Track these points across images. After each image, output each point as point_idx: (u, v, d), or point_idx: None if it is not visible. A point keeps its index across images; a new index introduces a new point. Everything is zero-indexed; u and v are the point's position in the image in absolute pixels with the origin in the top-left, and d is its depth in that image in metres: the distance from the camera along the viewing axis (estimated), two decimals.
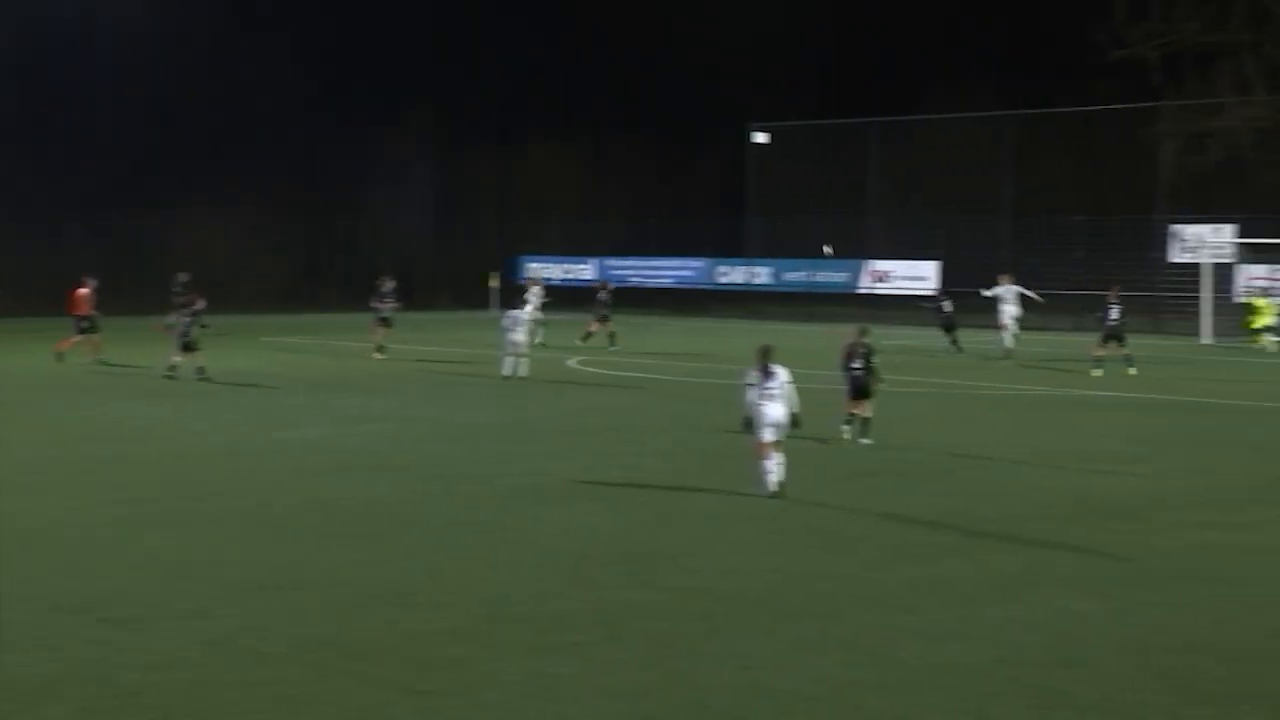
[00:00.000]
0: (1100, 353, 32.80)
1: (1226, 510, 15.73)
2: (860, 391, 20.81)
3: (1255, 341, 41.53)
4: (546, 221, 71.11)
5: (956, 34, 74.31)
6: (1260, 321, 42.69)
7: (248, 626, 10.75)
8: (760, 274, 61.04)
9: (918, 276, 56.97)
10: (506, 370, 30.27)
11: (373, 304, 36.73)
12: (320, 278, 66.96)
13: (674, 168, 74.40)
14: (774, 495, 16.04)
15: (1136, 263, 50.72)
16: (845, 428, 20.87)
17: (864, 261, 57.64)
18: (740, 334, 41.39)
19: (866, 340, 21.07)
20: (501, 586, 12.06)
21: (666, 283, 63.69)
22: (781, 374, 16.25)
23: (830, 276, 58.48)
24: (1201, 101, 54.29)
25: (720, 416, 23.86)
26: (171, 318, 31.68)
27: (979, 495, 16.61)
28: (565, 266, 67.04)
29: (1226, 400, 27.03)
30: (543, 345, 37.74)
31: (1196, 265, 46.75)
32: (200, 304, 30.69)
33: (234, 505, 15.68)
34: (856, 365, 20.82)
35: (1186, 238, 49.57)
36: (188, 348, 29.83)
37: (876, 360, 21.15)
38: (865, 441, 20.58)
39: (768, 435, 16.13)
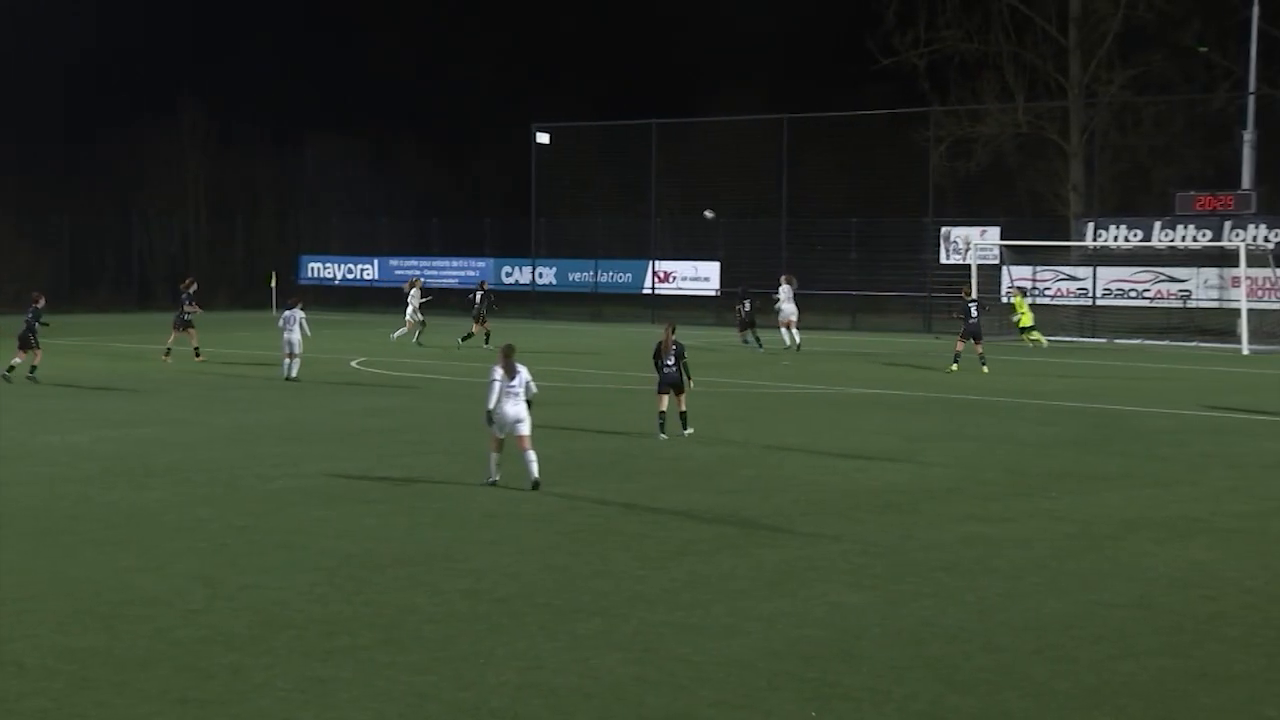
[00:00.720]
0: (960, 348, 34.10)
1: (988, 503, 16.27)
2: (674, 387, 21.47)
3: (1027, 339, 43.06)
4: (328, 220, 70.03)
5: (734, 37, 75.52)
6: (1025, 320, 44.26)
7: (9, 638, 10.33)
8: (545, 274, 61.08)
9: (701, 277, 57.75)
10: (286, 371, 30.05)
11: (185, 308, 35.13)
12: (90, 276, 64.75)
13: (458, 167, 74.01)
14: (491, 483, 17.01)
15: (909, 264, 52.23)
16: (663, 436, 21.28)
17: (648, 262, 58.13)
18: (526, 334, 41.19)
19: (676, 338, 21.68)
20: (278, 592, 11.83)
21: (451, 283, 63.25)
22: (524, 373, 17.22)
23: (616, 277, 58.86)
24: (966, 108, 56.20)
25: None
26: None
27: (754, 492, 16.87)
28: (347, 266, 66.11)
29: (993, 398, 27.96)
30: (420, 345, 39.59)
31: (966, 266, 48.29)
32: (41, 302, 30.29)
33: None
34: (669, 362, 21.46)
35: (955, 239, 51.26)
36: (24, 345, 29.35)
37: (687, 358, 21.79)
38: (689, 432, 21.44)
39: (499, 431, 17.10)
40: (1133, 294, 47.76)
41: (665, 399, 21.53)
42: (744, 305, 41.30)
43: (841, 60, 61.80)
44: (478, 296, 40.94)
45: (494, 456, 17.26)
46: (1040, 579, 12.54)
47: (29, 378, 29.13)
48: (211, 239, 70.97)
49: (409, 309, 41.56)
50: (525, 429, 17.12)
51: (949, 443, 21.35)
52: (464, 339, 40.06)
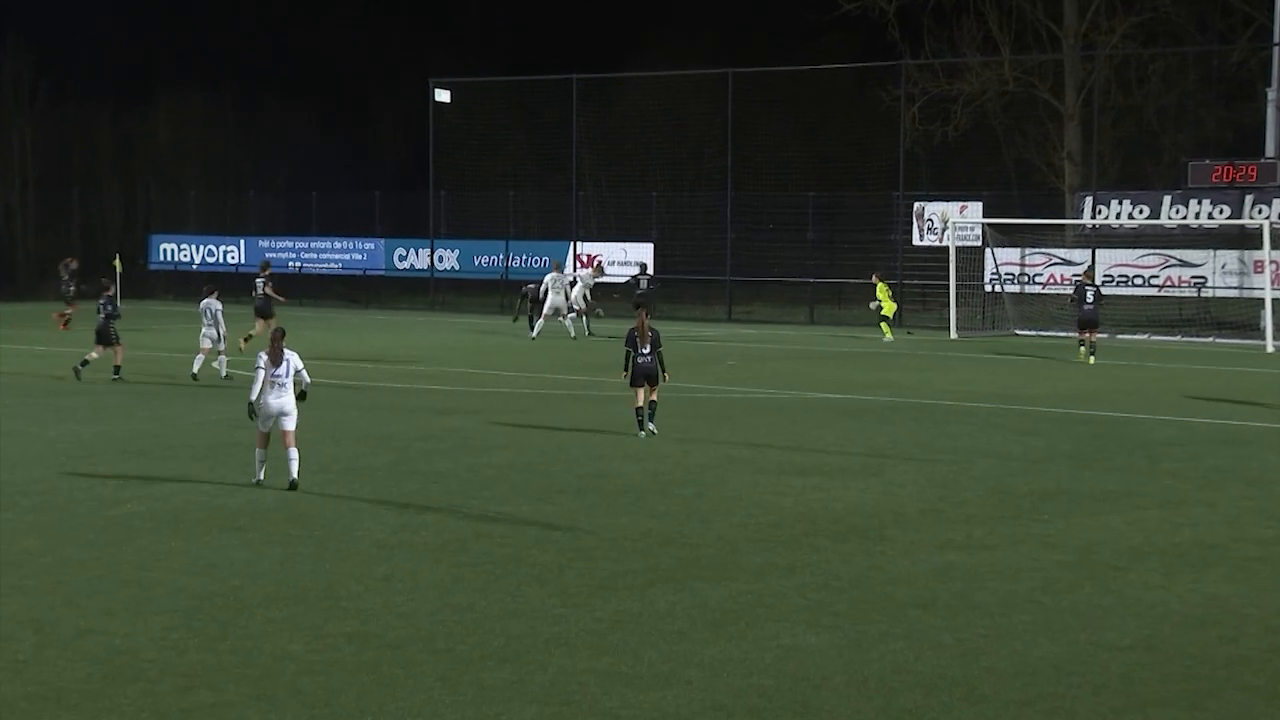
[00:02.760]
0: (1087, 337, 37.53)
1: (969, 527, 16.40)
2: (649, 379, 23.03)
3: (888, 333, 44.14)
4: (184, 194, 69.48)
5: None
6: (889, 309, 44.86)
7: None
8: (447, 258, 60.94)
9: (631, 261, 57.78)
10: (195, 368, 30.97)
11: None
12: None
13: (342, 130, 73.62)
14: (256, 483, 18.25)
15: (877, 246, 52.52)
16: (641, 434, 22.79)
17: (569, 244, 58.10)
18: (424, 330, 41.22)
19: (653, 326, 23.35)
20: (125, 638, 11.73)
21: (334, 269, 63.00)
22: (293, 360, 18.57)
23: (530, 261, 58.73)
24: (943, 61, 56.59)
25: (398, 426, 23.74)
26: None
27: (693, 515, 16.91)
28: (208, 248, 65.65)
29: (971, 403, 28.17)
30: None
31: (943, 249, 48.65)
32: (111, 290, 32.92)
33: None
34: (645, 351, 23.04)
35: (930, 217, 51.60)
36: (103, 341, 31.45)
37: (663, 347, 23.30)
38: (651, 428, 22.91)
39: (265, 425, 18.42)
40: (1138, 281, 48.30)
41: (641, 392, 22.97)
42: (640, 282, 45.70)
43: (797, 5, 62.09)
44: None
45: (259, 453, 18.57)
46: (1030, 617, 12.65)
47: (115, 379, 30.51)
48: (40, 215, 70.14)
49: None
50: (290, 424, 18.43)
51: (921, 457, 21.49)
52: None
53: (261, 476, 18.43)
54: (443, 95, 61.01)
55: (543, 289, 44.30)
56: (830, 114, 57.99)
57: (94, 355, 31.13)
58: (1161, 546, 15.50)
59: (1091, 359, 37.10)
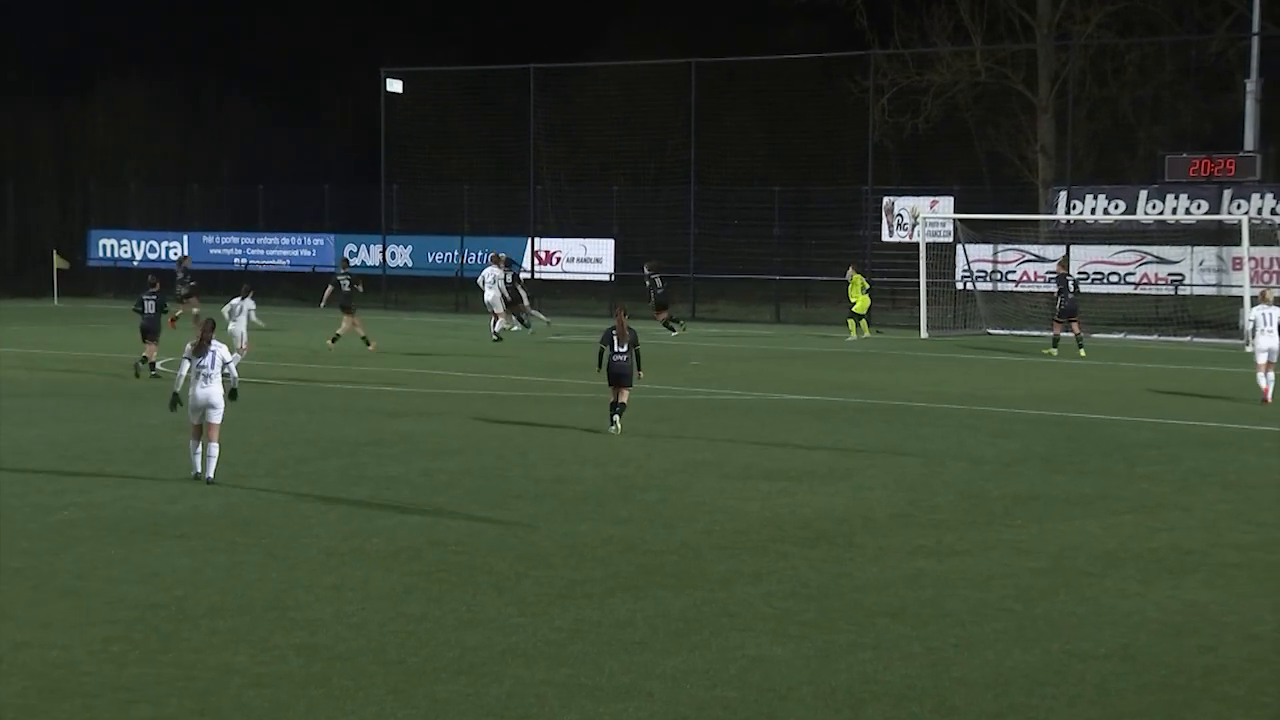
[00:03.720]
0: (1069, 330, 39.11)
1: (939, 533, 16.45)
2: (621, 378, 23.67)
3: (857, 329, 44.28)
4: (124, 188, 69.15)
5: None
6: (861, 305, 44.80)
7: None
8: (399, 254, 60.82)
9: (591, 258, 57.82)
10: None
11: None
12: None
13: (290, 121, 73.37)
14: (195, 477, 18.82)
15: (845, 241, 52.62)
16: (611, 428, 23.50)
17: (526, 240, 58.07)
18: (376, 328, 40.90)
19: (630, 325, 23.91)
20: (61, 651, 11.66)
21: (281, 265, 62.82)
22: (219, 351, 18.98)
23: (486, 258, 58.56)
24: (913, 51, 56.73)
25: (349, 430, 23.69)
26: None
27: (656, 521, 16.92)
28: (149, 244, 65.37)
29: (943, 405, 28.26)
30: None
31: (914, 245, 48.78)
32: (158, 286, 33.08)
33: None
34: (622, 350, 23.59)
35: (900, 212, 51.75)
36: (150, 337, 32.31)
37: (640, 345, 23.92)
38: (615, 428, 23.39)
39: (196, 418, 18.89)
40: (1114, 278, 48.55)
41: (615, 390, 23.65)
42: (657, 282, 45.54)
43: None
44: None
45: (193, 445, 19.06)
46: (1003, 625, 12.69)
47: (152, 375, 31.19)
48: None
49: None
50: (216, 417, 18.86)
51: (891, 459, 21.55)
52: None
53: (199, 469, 18.85)
54: (395, 85, 60.86)
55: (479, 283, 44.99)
56: (797, 105, 58.07)
57: (149, 352, 31.45)
58: (1138, 552, 15.57)
59: (1082, 350, 38.27)
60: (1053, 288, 42.30)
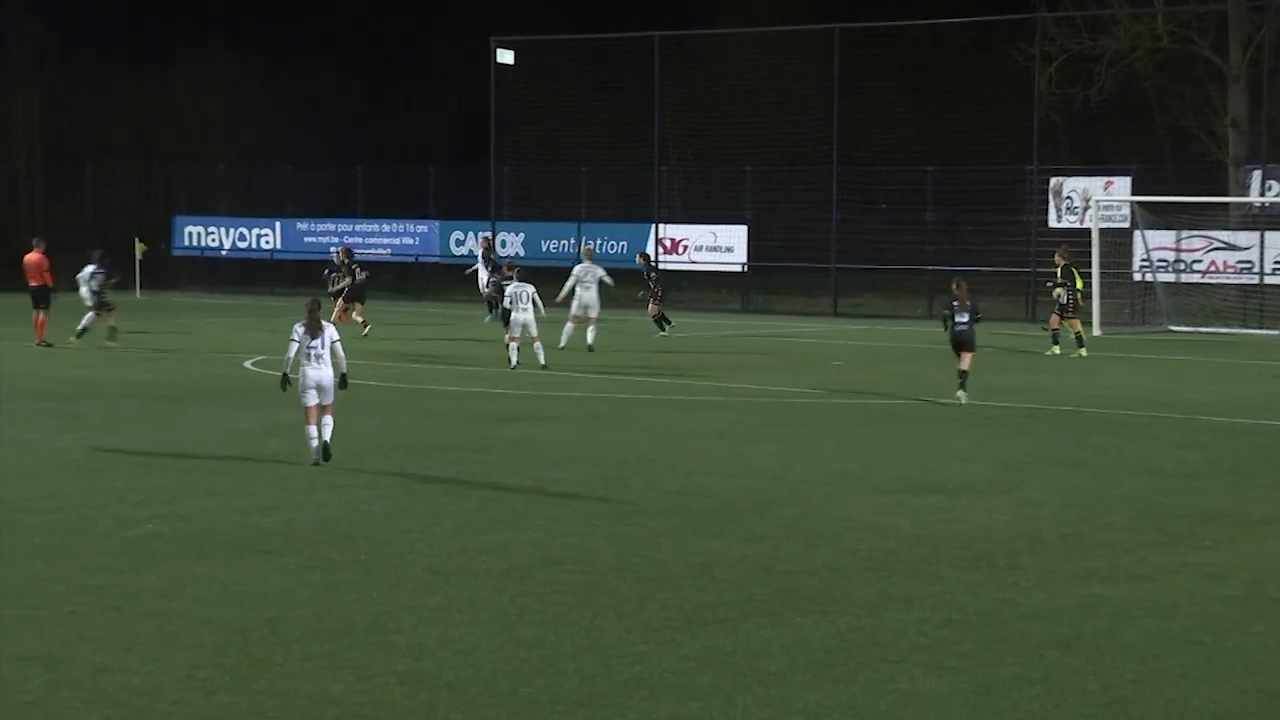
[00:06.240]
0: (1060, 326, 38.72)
1: (1115, 555, 16.29)
2: (965, 344, 27.49)
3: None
4: (209, 170, 70.01)
5: None
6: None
7: None
8: (511, 243, 61.15)
9: (722, 247, 57.73)
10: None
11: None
12: None
13: (391, 97, 74.03)
14: (315, 464, 20.18)
15: (1007, 228, 52.27)
16: (960, 394, 26.83)
17: (650, 226, 58.15)
18: (483, 325, 41.37)
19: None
20: (146, 676, 11.82)
21: (382, 254, 63.33)
22: (330, 332, 20.19)
23: (606, 247, 58.82)
24: (1086, 14, 56.19)
25: (456, 435, 23.84)
26: None
27: (795, 539, 16.88)
28: (239, 232, 66.18)
29: (1118, 410, 27.99)
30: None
31: (1085, 231, 48.33)
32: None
33: None
34: (964, 320, 27.86)
35: (1070, 194, 51.31)
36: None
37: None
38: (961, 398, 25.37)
39: (311, 399, 20.18)
40: None
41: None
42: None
43: None
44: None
45: (310, 430, 20.22)
46: (1189, 659, 12.55)
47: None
48: (49, 190, 70.81)
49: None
50: (328, 398, 20.15)
51: (1060, 471, 21.38)
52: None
53: (318, 457, 20.26)
54: (505, 56, 61.10)
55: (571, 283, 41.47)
56: (953, 76, 57.69)
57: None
58: None
59: (1082, 350, 37.99)
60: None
